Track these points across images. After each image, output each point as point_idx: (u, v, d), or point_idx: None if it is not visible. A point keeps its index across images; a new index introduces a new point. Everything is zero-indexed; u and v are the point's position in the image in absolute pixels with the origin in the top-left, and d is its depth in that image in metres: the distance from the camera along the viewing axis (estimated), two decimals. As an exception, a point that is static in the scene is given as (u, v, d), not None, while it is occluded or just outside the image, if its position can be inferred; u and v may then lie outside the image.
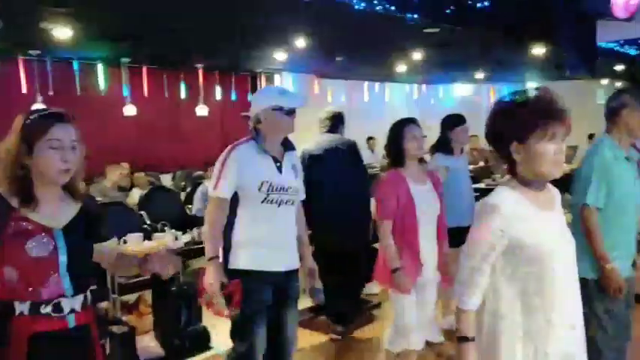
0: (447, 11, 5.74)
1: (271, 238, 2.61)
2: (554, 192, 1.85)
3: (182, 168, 8.98)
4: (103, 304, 4.23)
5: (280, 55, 7.99)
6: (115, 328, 3.40)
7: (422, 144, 3.13)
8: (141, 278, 4.16)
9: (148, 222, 5.60)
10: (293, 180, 2.69)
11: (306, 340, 4.06)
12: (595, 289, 2.68)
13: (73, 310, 1.79)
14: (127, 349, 3.35)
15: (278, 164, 2.63)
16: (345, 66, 9.44)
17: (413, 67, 9.51)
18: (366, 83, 12.27)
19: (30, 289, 1.73)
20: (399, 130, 3.12)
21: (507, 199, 1.69)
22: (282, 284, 2.66)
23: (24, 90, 7.12)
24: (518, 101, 1.73)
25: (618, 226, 2.71)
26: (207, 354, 3.79)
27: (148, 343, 3.83)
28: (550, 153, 1.65)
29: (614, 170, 2.66)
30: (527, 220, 1.68)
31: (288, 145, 2.73)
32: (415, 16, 5.32)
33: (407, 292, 2.98)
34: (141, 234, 3.71)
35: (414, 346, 3.13)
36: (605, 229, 2.67)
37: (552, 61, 7.79)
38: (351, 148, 4.33)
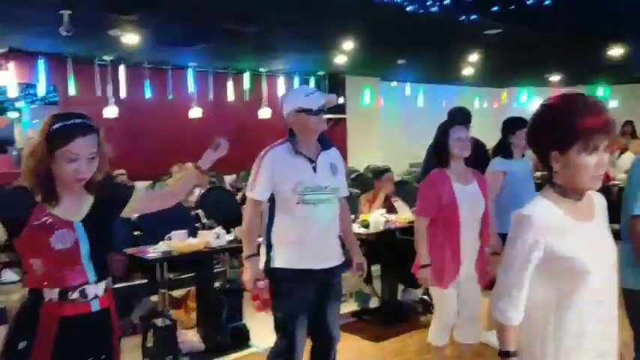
0: (509, 10, 5.53)
1: (310, 238, 2.65)
2: (596, 200, 1.76)
3: (245, 169, 9.20)
4: (153, 298, 4.44)
5: (340, 59, 8.03)
6: (158, 321, 3.55)
7: (467, 145, 3.14)
8: (187, 275, 4.34)
9: (204, 220, 5.84)
10: (330, 178, 2.71)
11: (348, 345, 4.04)
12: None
13: (96, 296, 1.93)
14: (168, 341, 3.48)
15: (313, 164, 2.67)
16: (407, 69, 9.33)
17: (477, 69, 9.24)
18: (441, 87, 12.04)
19: (57, 278, 1.87)
20: (445, 131, 3.18)
21: (542, 210, 1.64)
22: (323, 282, 2.71)
23: (98, 93, 7.58)
24: (564, 108, 1.64)
25: None
26: (247, 352, 3.86)
27: (191, 337, 3.96)
28: (590, 166, 1.58)
29: None
30: (561, 232, 1.62)
31: (325, 144, 2.74)
32: (472, 17, 5.17)
33: (445, 287, 3.07)
34: (185, 231, 3.86)
35: (433, 341, 3.25)
36: None
37: (627, 62, 7.30)
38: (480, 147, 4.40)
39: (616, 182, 7.29)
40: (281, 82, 9.68)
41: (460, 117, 4.40)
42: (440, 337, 3.26)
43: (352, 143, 10.81)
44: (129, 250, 3.84)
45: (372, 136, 10.85)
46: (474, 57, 8.02)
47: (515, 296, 1.63)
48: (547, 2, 4.55)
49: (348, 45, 6.89)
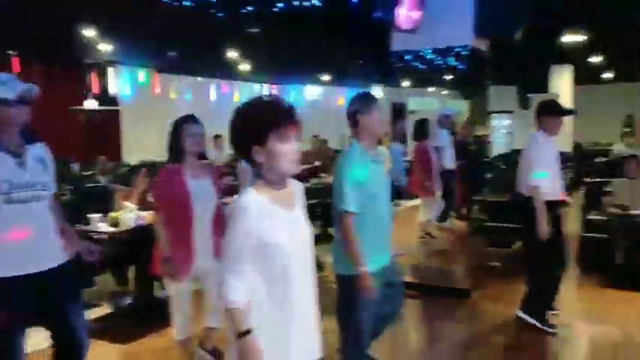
0: (274, 11, 5.77)
1: (25, 240, 2.40)
2: (295, 187, 1.97)
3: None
4: None
5: (104, 46, 7.52)
6: None
7: (199, 141, 3.17)
8: None
9: None
10: (40, 174, 2.49)
11: (96, 351, 3.80)
12: (350, 285, 2.81)
13: None
14: None
15: (18, 160, 2.41)
16: (181, 62, 9.17)
17: (252, 65, 9.52)
18: (212, 81, 12.06)
19: None
20: (178, 127, 3.18)
21: (252, 200, 1.79)
22: (48, 284, 2.47)
23: None
24: (255, 108, 1.85)
25: (372, 225, 2.86)
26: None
27: None
28: (287, 153, 1.80)
29: (362, 175, 2.79)
30: (270, 219, 1.79)
31: (30, 138, 2.51)
32: (225, 14, 5.28)
33: (179, 280, 3.11)
34: None
35: (178, 335, 3.27)
36: (360, 230, 2.80)
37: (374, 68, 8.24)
38: None
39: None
40: (38, 70, 8.69)
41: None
42: (182, 331, 3.29)
43: (127, 136, 10.26)
44: None
45: (152, 129, 10.42)
46: (240, 53, 8.21)
47: (235, 281, 1.77)
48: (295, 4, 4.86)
49: (91, 32, 6.48)
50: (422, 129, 6.55)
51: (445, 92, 13.42)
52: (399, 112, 14.62)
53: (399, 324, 3.18)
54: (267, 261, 1.80)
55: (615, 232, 5.06)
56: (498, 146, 14.25)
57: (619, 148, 9.30)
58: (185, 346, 3.36)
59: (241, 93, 12.81)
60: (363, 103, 2.85)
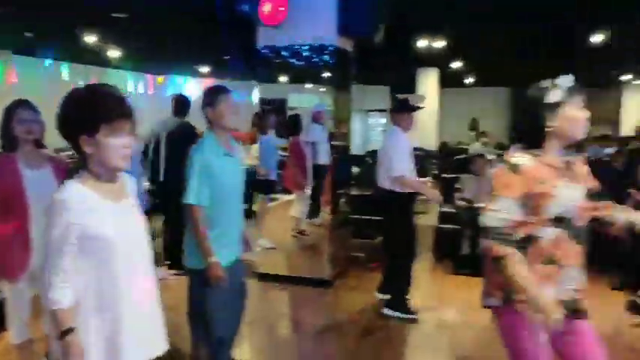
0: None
1: None
2: (125, 181, 1.89)
3: None
4: None
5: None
6: None
7: (32, 128, 2.95)
8: None
9: None
10: None
11: None
12: (202, 279, 2.79)
13: None
14: None
15: None
16: (41, 44, 8.48)
17: (123, 52, 9.06)
18: (79, 67, 11.29)
19: None
20: (9, 112, 2.95)
21: (75, 193, 1.71)
22: None
23: None
24: (88, 96, 1.75)
25: (224, 217, 2.85)
26: None
27: None
28: (117, 147, 1.72)
29: (214, 167, 2.77)
30: (95, 212, 1.71)
31: None
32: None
33: (14, 281, 2.86)
34: None
35: (15, 339, 3.03)
36: (212, 221, 2.79)
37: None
38: (190, 130, 5.12)
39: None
40: None
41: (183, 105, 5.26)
42: (19, 334, 3.04)
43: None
44: None
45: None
46: (104, 37, 7.79)
47: (59, 279, 1.68)
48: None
49: None
50: (294, 124, 6.66)
51: (324, 89, 13.79)
52: (278, 109, 14.75)
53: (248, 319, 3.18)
54: (92, 256, 1.72)
55: (463, 224, 5.55)
56: (374, 143, 14.97)
57: (475, 147, 10.18)
58: (23, 349, 3.13)
59: (111, 81, 12.13)
60: (210, 96, 2.83)
